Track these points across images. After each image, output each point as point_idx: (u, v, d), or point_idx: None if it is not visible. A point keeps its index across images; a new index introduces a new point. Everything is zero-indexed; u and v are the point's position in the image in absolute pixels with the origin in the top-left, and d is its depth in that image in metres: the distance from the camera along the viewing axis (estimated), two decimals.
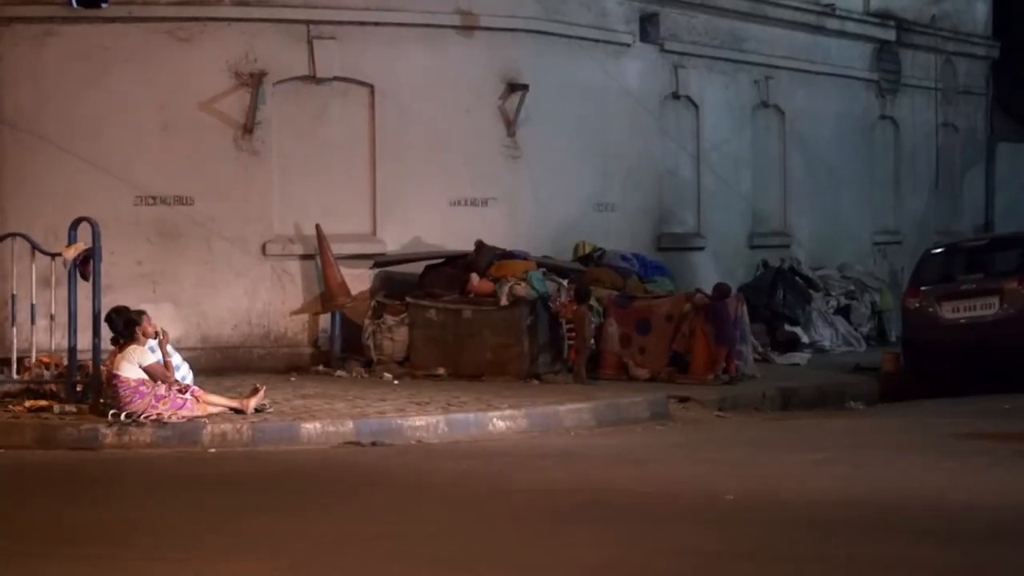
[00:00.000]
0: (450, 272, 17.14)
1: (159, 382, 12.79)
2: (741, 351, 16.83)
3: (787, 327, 20.24)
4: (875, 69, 24.60)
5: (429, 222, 17.93)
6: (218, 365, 16.85)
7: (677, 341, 16.57)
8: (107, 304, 13.42)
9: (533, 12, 18.57)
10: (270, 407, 13.38)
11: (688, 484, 10.25)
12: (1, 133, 16.94)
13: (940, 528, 8.49)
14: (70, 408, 13.12)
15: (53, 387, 13.66)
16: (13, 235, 14.26)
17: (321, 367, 17.11)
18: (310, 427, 12.68)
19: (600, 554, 7.89)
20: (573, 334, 16.17)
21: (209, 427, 12.56)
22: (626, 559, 7.78)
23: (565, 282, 16.79)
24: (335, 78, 17.62)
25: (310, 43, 17.46)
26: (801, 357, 19.43)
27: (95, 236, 13.45)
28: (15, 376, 13.98)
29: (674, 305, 16.82)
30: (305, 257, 17.46)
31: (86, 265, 13.42)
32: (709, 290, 17.06)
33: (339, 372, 16.81)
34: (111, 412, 12.65)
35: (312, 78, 17.54)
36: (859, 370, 18.37)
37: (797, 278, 21.22)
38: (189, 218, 17.13)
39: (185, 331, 16.81)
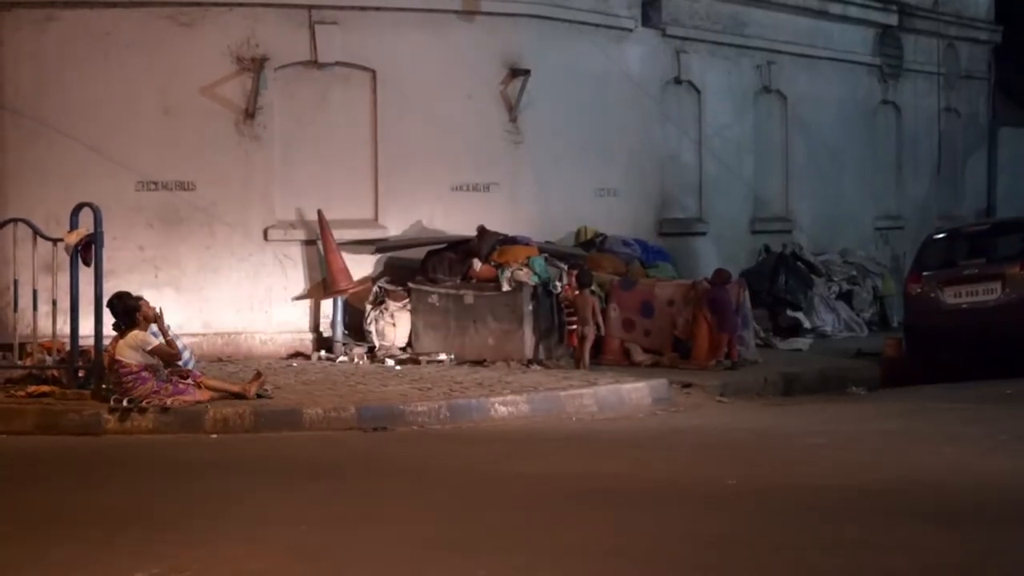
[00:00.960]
0: (452, 257, 17.14)
1: (166, 363, 12.81)
2: (743, 337, 16.85)
3: (789, 312, 20.24)
4: (877, 54, 24.56)
5: (431, 207, 17.93)
6: (220, 350, 16.89)
7: (679, 328, 16.59)
8: (109, 290, 13.44)
9: None
10: (272, 392, 13.38)
11: (690, 469, 10.26)
12: (2, 118, 16.92)
13: (943, 512, 8.50)
14: (72, 394, 13.13)
15: (55, 373, 13.66)
16: (15, 221, 14.24)
17: (323, 352, 17.11)
18: (312, 412, 12.67)
19: (602, 539, 7.89)
20: (574, 319, 16.17)
21: (211, 412, 12.57)
22: (628, 544, 7.79)
23: (565, 267, 16.79)
24: (337, 63, 17.61)
25: (312, 28, 17.44)
26: (803, 342, 19.43)
27: (97, 221, 13.43)
28: (17, 362, 13.98)
29: (677, 290, 16.86)
30: (307, 242, 17.46)
31: (88, 251, 13.40)
32: (711, 275, 17.09)
33: (341, 358, 16.82)
34: (113, 397, 12.65)
35: (314, 63, 17.53)
36: (861, 355, 18.37)
37: (799, 263, 21.21)
38: (191, 203, 17.12)
39: (187, 316, 16.80)
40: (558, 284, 16.49)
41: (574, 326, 16.15)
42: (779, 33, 22.45)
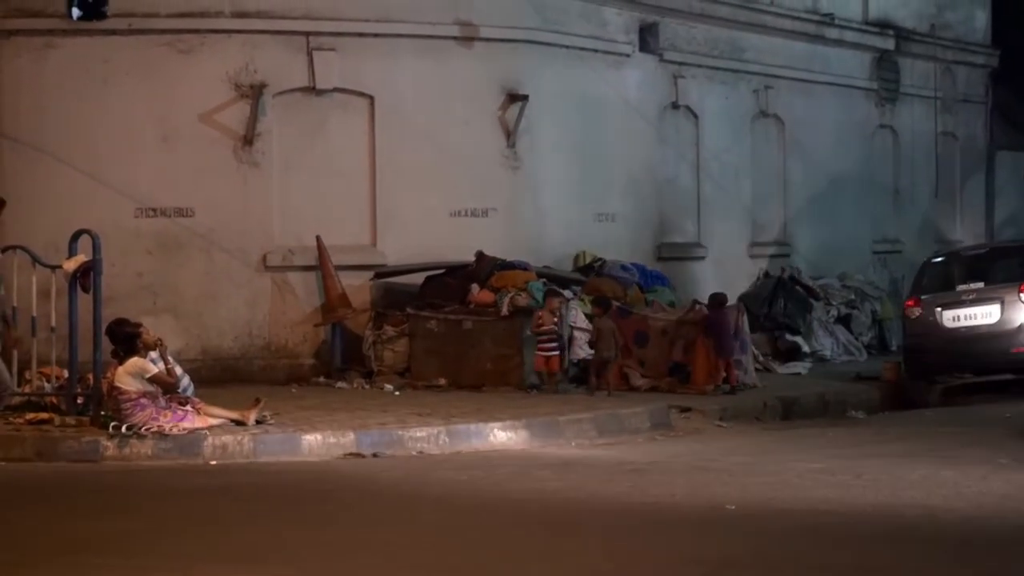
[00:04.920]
0: (450, 283, 17.14)
1: (164, 391, 12.79)
2: (741, 361, 16.83)
3: (788, 336, 20.25)
4: (874, 78, 24.63)
5: (429, 233, 17.92)
6: (218, 377, 16.82)
7: (676, 351, 16.56)
8: (107, 316, 13.40)
9: (533, 23, 18.59)
10: (271, 419, 13.36)
11: (689, 494, 10.25)
12: (1, 145, 16.96)
13: (941, 537, 8.50)
14: (71, 420, 13.11)
15: (54, 399, 13.62)
16: (14, 248, 14.19)
17: (322, 378, 17.10)
18: (311, 438, 12.67)
19: (602, 564, 7.89)
20: (547, 345, 15.98)
21: (210, 439, 12.55)
22: (628, 568, 7.78)
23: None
24: (335, 89, 17.65)
25: (310, 54, 17.48)
26: (802, 366, 19.43)
27: (95, 248, 13.42)
28: (16, 388, 13.95)
29: (672, 318, 16.83)
30: (305, 268, 17.46)
31: (86, 277, 13.39)
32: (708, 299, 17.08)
33: (340, 383, 16.80)
34: (112, 424, 12.63)
35: (312, 89, 17.57)
36: (860, 379, 18.36)
37: (797, 287, 21.21)
38: (189, 230, 17.13)
39: (185, 343, 16.80)
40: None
41: (550, 353, 15.96)
42: (776, 58, 22.50)
